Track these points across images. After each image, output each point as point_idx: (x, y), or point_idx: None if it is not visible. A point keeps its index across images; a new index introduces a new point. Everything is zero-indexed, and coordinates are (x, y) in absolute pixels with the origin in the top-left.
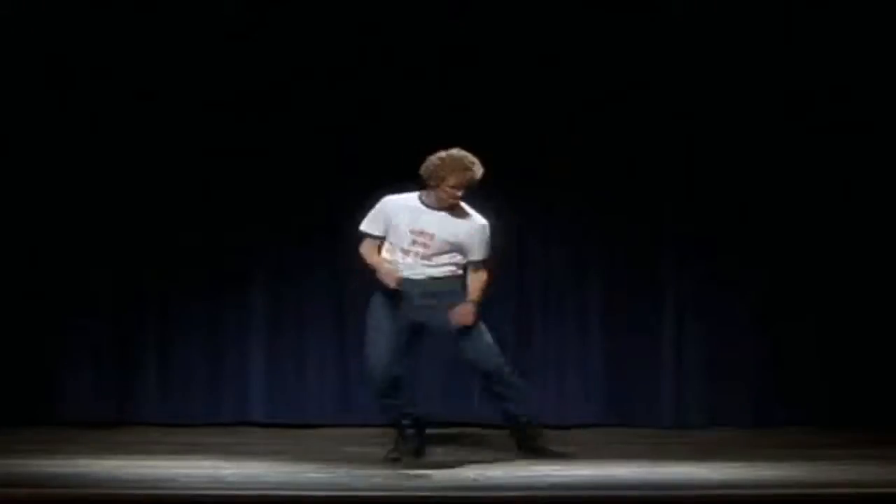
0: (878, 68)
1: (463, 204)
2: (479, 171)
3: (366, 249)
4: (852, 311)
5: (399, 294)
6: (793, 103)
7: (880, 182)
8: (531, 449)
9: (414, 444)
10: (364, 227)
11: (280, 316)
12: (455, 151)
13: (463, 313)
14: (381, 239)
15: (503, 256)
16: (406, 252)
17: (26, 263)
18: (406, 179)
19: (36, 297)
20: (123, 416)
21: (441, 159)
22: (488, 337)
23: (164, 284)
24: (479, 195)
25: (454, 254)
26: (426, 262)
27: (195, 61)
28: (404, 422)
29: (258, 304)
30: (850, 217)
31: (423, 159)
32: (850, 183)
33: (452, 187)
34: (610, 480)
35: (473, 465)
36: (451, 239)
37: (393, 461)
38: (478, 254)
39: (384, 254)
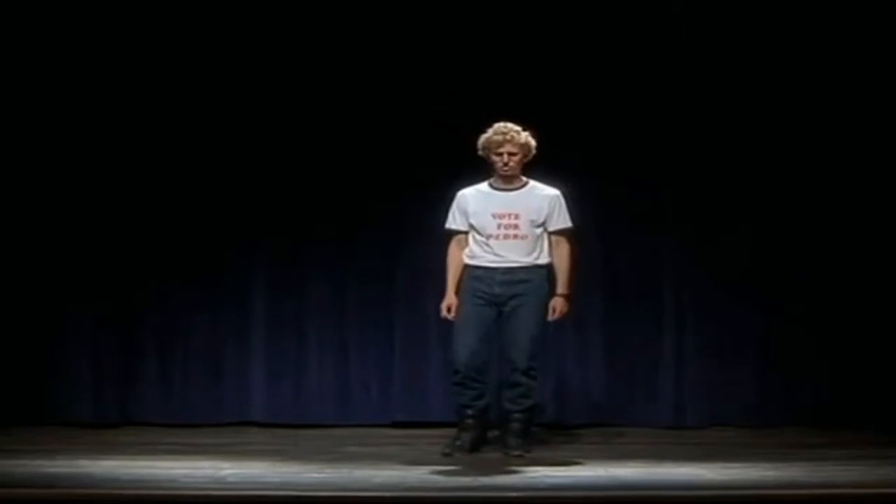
0: (879, 67)
1: (532, 181)
2: (495, 133)
3: (450, 249)
4: (852, 312)
5: (483, 283)
6: (793, 103)
7: (881, 182)
8: (509, 447)
9: (472, 436)
10: (447, 224)
11: (280, 316)
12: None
13: (560, 308)
14: (465, 233)
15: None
16: (495, 237)
17: (27, 264)
18: (405, 183)
19: (36, 297)
20: (123, 417)
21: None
22: (541, 336)
23: (164, 285)
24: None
25: (539, 239)
26: (514, 247)
27: (197, 65)
28: (468, 412)
29: (258, 305)
30: (850, 217)
31: (423, 165)
32: (851, 183)
33: (494, 153)
34: (610, 480)
35: (473, 466)
36: (535, 215)
37: (445, 456)
38: (559, 221)
39: (472, 245)
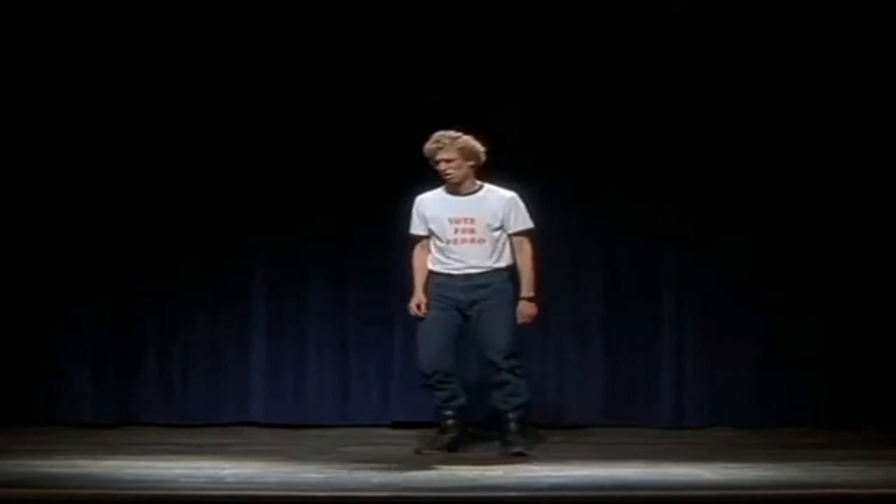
0: (879, 67)
1: (487, 185)
2: (430, 142)
3: (414, 253)
4: (852, 312)
5: (445, 288)
6: (793, 102)
7: (881, 182)
8: (508, 444)
9: (451, 436)
10: (410, 229)
11: (280, 316)
12: None
13: (526, 312)
14: (427, 238)
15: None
16: (453, 242)
17: (27, 264)
18: (405, 182)
19: (36, 297)
20: (124, 417)
21: None
22: (515, 334)
23: (164, 285)
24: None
25: (498, 242)
26: (472, 252)
27: (196, 65)
28: (446, 413)
29: (258, 305)
30: (850, 217)
31: (423, 166)
32: (851, 183)
33: (433, 163)
34: (610, 480)
35: (473, 465)
36: (490, 219)
37: (417, 454)
38: (521, 223)
39: (433, 251)
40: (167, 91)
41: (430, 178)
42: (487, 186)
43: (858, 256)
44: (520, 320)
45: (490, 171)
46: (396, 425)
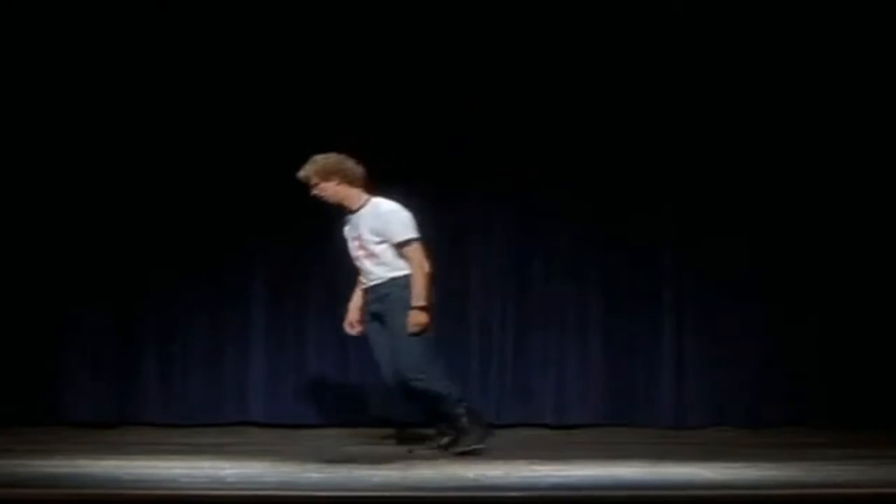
0: (880, 69)
1: (377, 199)
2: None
3: None
4: (853, 312)
5: (368, 304)
6: (793, 103)
7: (880, 182)
8: (451, 448)
9: (476, 435)
10: None
11: (280, 316)
12: None
13: (414, 321)
14: None
15: (504, 258)
16: (355, 258)
17: (28, 264)
18: (405, 183)
19: (37, 297)
20: (124, 417)
21: None
22: (421, 346)
23: (164, 285)
24: (481, 195)
25: (386, 253)
26: (368, 267)
27: (195, 66)
28: (459, 413)
29: (258, 304)
30: (850, 217)
31: (424, 167)
32: (851, 183)
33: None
34: (610, 480)
35: (473, 465)
36: (368, 233)
37: (410, 453)
38: (398, 235)
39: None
40: (167, 91)
41: (429, 178)
42: (375, 201)
43: (858, 256)
44: (409, 329)
45: (489, 171)
46: (396, 425)
